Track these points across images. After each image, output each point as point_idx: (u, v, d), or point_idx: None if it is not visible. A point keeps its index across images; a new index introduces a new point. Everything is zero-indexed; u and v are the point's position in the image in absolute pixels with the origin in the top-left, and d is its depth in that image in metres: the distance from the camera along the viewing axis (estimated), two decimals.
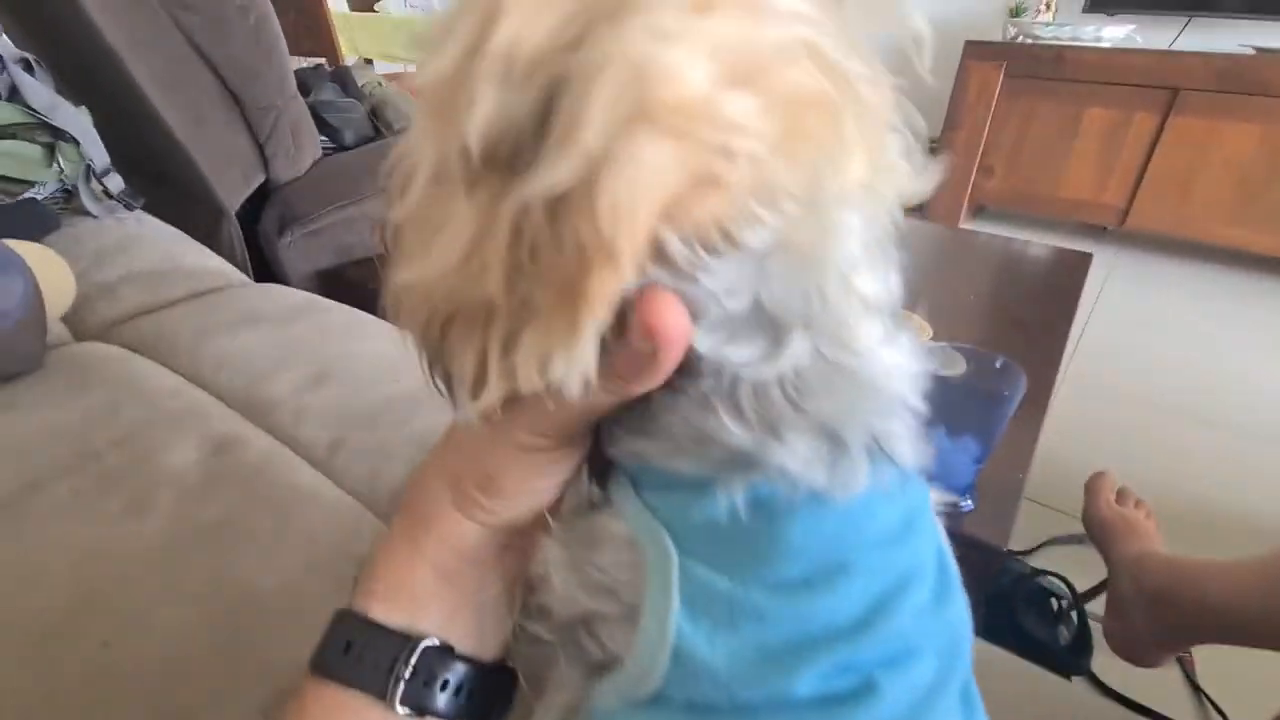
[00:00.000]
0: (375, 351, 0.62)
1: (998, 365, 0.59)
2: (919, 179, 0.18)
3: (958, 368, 0.58)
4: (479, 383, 0.17)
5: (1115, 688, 0.84)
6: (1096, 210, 2.32)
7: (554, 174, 0.13)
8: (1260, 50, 2.04)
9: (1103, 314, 1.87)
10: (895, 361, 0.18)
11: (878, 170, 0.17)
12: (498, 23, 0.13)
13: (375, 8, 3.13)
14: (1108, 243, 2.44)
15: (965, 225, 2.57)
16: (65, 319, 0.75)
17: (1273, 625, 0.52)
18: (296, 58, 2.75)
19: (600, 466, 0.23)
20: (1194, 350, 1.73)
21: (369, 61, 3.19)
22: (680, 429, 0.18)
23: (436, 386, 0.20)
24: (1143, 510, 0.83)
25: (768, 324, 0.17)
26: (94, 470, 0.46)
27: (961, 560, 0.24)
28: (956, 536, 0.60)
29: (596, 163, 0.13)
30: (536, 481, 0.22)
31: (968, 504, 0.61)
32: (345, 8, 3.25)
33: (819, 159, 0.15)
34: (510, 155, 0.14)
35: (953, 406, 0.59)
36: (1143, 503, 0.85)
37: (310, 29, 2.45)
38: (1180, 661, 0.87)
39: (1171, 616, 0.61)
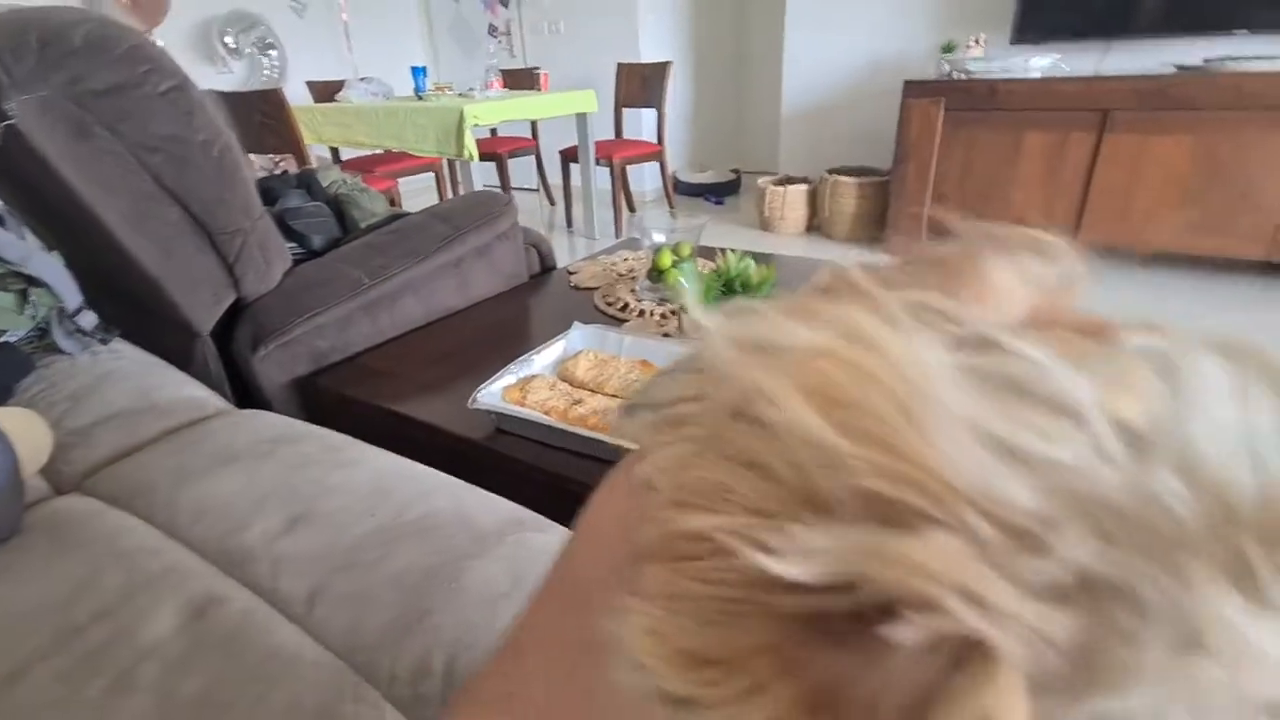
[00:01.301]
0: (348, 484, 0.63)
1: None
2: None
3: None
4: None
5: None
6: (1048, 229, 2.40)
7: None
8: (1180, 68, 2.16)
9: None
10: None
11: None
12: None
13: (336, 97, 3.23)
14: None
15: None
16: (43, 471, 0.76)
17: None
18: (262, 156, 2.82)
19: None
20: None
21: (335, 151, 3.28)
22: None
23: None
24: None
25: None
26: (77, 649, 0.47)
27: None
28: None
29: None
30: None
31: None
32: (309, 100, 3.36)
33: None
34: None
35: None
36: None
37: (274, 127, 2.52)
38: None
39: None
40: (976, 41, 2.54)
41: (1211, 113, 2.03)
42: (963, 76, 2.43)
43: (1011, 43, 2.49)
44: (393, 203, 2.60)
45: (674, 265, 1.29)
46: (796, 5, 3.09)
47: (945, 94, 2.41)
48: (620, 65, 3.48)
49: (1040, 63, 2.32)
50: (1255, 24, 2.13)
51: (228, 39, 3.84)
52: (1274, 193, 2.03)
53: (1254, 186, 2.05)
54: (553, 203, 4.09)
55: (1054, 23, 2.42)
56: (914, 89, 2.46)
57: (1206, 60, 2.14)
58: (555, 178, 3.76)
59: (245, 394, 1.15)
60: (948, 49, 2.61)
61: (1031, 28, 2.45)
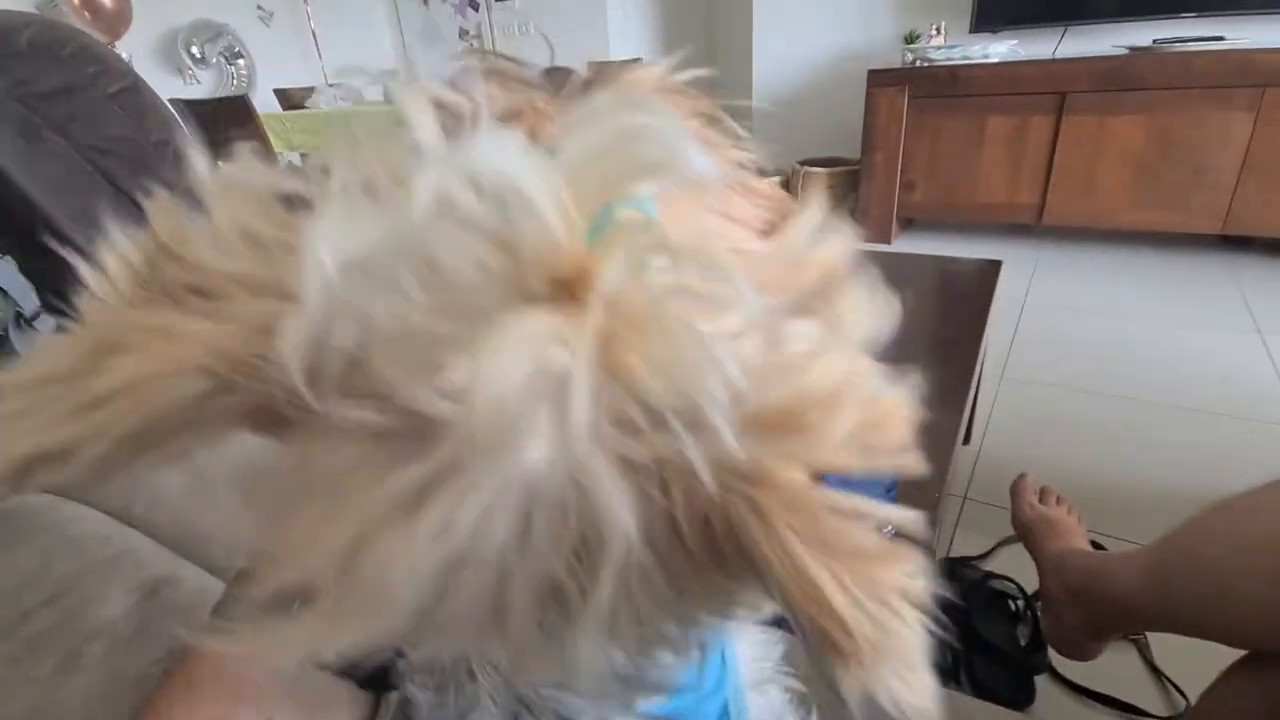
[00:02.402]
0: None
1: None
2: None
3: None
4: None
5: (1076, 679, 0.87)
6: (1014, 210, 2.45)
7: None
8: (1132, 49, 2.21)
9: (1033, 309, 1.96)
10: None
11: None
12: None
13: (306, 104, 3.21)
14: (1031, 238, 2.57)
15: (897, 240, 2.68)
16: None
17: (1166, 613, 0.56)
18: None
19: None
20: (1119, 331, 1.82)
21: (305, 157, 3.26)
22: None
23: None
24: (1064, 507, 0.87)
25: None
26: (25, 634, 0.47)
27: None
28: None
29: None
30: None
31: (888, 532, 0.64)
32: (278, 108, 3.34)
33: None
34: None
35: None
36: (1064, 500, 0.89)
37: (241, 135, 2.50)
38: (1136, 645, 0.90)
39: (1093, 611, 0.65)
40: (937, 30, 2.58)
41: (1163, 92, 2.08)
42: (925, 64, 2.47)
43: (971, 31, 2.53)
44: None
45: None
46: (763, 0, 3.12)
47: (909, 82, 2.44)
48: (591, 64, 3.48)
49: (999, 49, 2.36)
50: (1202, 6, 2.18)
51: (194, 49, 3.80)
52: (1226, 169, 2.08)
53: (1207, 163, 2.10)
54: None
55: (1011, 10, 2.47)
56: (878, 78, 2.50)
57: (1156, 41, 2.19)
58: None
59: None
60: (910, 38, 2.65)
61: (989, 15, 2.49)
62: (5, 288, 0.99)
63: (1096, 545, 0.93)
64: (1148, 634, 0.89)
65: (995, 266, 1.33)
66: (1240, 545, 0.48)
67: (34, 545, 0.57)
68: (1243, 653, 0.51)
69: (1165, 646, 0.90)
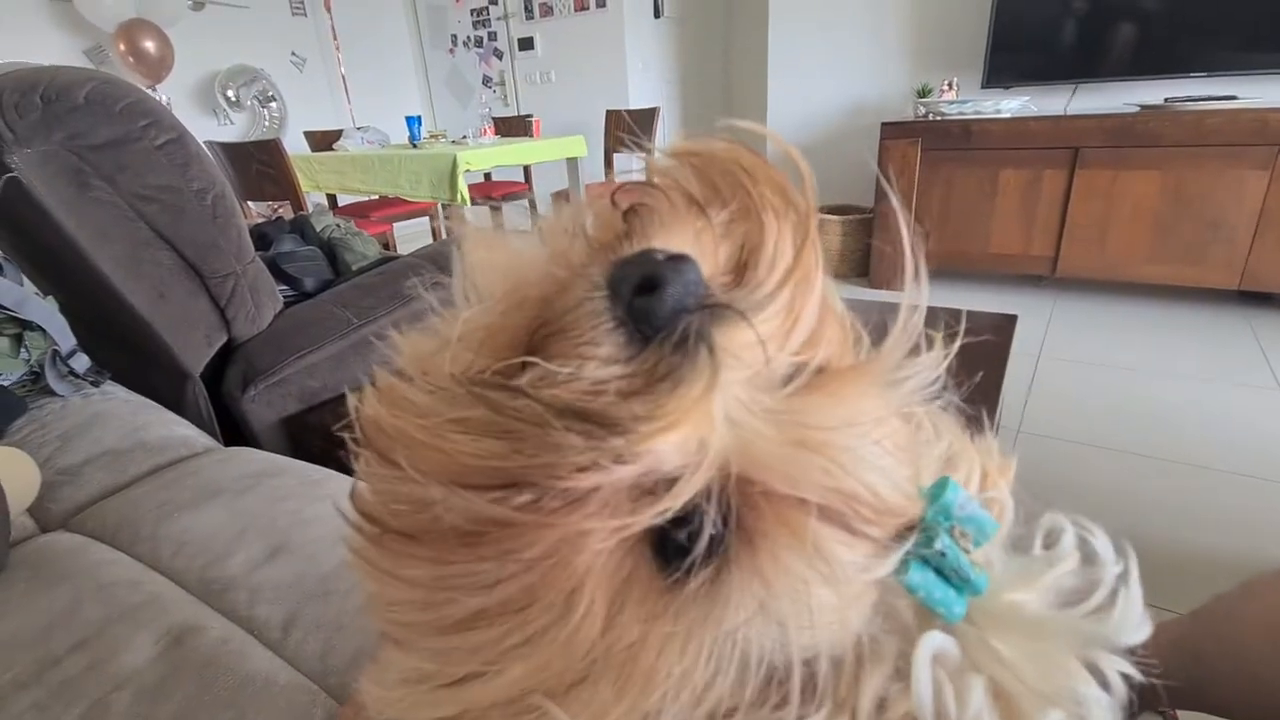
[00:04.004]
0: (326, 515, 0.65)
1: None
2: None
3: None
4: None
5: None
6: (1028, 262, 2.46)
7: None
8: (1144, 107, 2.25)
9: (1049, 361, 1.96)
10: None
11: None
12: None
13: (334, 146, 3.32)
14: (1045, 289, 2.58)
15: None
16: (31, 510, 0.77)
17: (1193, 691, 0.55)
18: (260, 203, 2.88)
19: None
20: (1136, 386, 1.81)
21: (332, 198, 3.36)
22: None
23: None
24: None
25: None
26: (54, 680, 0.48)
27: None
28: None
29: None
30: None
31: None
32: (307, 149, 3.45)
33: None
34: None
35: None
36: None
37: (272, 176, 2.58)
38: (1163, 716, 0.88)
39: None
40: (950, 85, 2.64)
41: (1176, 149, 2.10)
42: (938, 118, 2.52)
43: (983, 86, 2.59)
44: (387, 247, 2.65)
45: None
46: (778, 53, 3.22)
47: (922, 134, 2.49)
48: (609, 112, 3.59)
49: (1010, 104, 2.41)
50: (1212, 66, 2.22)
51: (229, 92, 3.96)
52: (1241, 226, 2.09)
53: (1222, 219, 2.11)
54: None
55: (1022, 67, 2.52)
56: (891, 130, 2.55)
57: (1168, 100, 2.23)
58: None
59: (236, 433, 1.16)
60: (923, 92, 2.71)
61: (1001, 72, 2.55)
62: (45, 327, 1.03)
63: None
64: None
65: (1011, 321, 1.34)
66: (1273, 635, 0.48)
67: (64, 588, 0.58)
68: None
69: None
